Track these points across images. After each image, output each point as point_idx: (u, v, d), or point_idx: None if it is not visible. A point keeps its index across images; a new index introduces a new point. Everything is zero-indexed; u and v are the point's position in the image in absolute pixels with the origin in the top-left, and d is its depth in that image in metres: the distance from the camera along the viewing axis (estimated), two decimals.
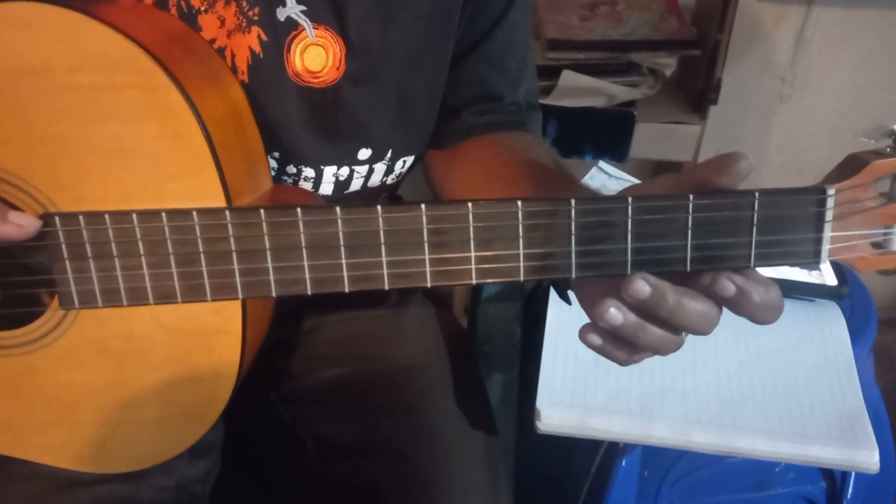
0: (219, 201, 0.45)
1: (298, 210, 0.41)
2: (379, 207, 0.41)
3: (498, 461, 0.64)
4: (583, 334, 0.42)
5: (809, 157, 1.46)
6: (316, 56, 0.55)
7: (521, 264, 0.41)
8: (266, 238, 0.42)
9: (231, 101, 0.49)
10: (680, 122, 1.20)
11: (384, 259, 0.41)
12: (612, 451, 0.77)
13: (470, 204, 0.40)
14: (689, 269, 0.40)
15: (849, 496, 0.78)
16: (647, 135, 1.17)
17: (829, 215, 0.40)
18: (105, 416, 0.50)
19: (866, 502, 0.79)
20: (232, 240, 0.42)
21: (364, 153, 0.59)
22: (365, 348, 0.67)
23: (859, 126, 0.42)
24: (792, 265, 0.50)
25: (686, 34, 1.16)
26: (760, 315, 0.39)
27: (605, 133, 1.14)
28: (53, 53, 0.43)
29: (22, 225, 0.43)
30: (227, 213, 0.42)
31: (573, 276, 0.41)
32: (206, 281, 0.43)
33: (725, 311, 0.41)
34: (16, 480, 0.53)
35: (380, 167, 0.60)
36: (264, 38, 0.53)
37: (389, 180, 0.62)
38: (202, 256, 0.43)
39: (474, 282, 0.42)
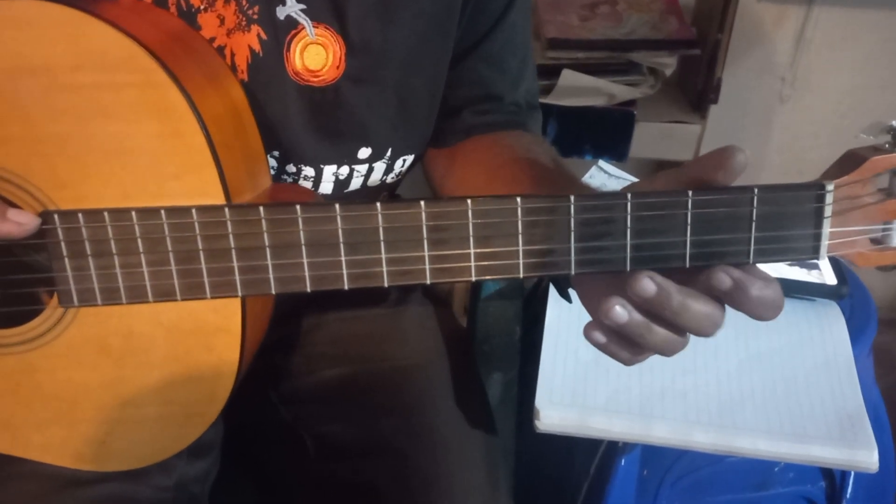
0: (218, 200, 0.45)
1: (298, 207, 0.41)
2: (378, 205, 0.41)
3: (497, 461, 0.64)
4: (587, 331, 0.42)
5: (809, 157, 1.46)
6: (316, 55, 0.55)
7: (521, 261, 0.41)
8: (265, 235, 0.42)
9: (231, 100, 0.49)
10: (680, 122, 1.20)
11: (383, 256, 0.41)
12: (612, 450, 0.77)
13: (469, 201, 0.40)
14: (688, 266, 0.40)
15: (848, 496, 0.78)
16: (647, 134, 1.17)
17: (827, 211, 0.40)
18: (105, 415, 0.50)
19: (866, 502, 0.79)
20: (231, 237, 0.42)
21: (364, 152, 0.59)
22: (364, 348, 0.67)
23: (859, 126, 0.42)
24: (791, 261, 0.50)
25: (686, 34, 1.16)
26: (759, 311, 0.39)
27: (605, 132, 1.14)
28: (54, 52, 0.43)
29: (21, 223, 0.43)
30: (227, 210, 0.42)
31: (573, 272, 0.41)
32: (206, 279, 0.43)
33: (726, 310, 0.41)
34: (15, 479, 0.53)
35: (379, 166, 0.60)
36: (264, 36, 0.53)
37: (389, 179, 0.63)
38: (201, 254, 0.43)
39: (474, 279, 0.42)
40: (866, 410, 0.70)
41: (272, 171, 0.57)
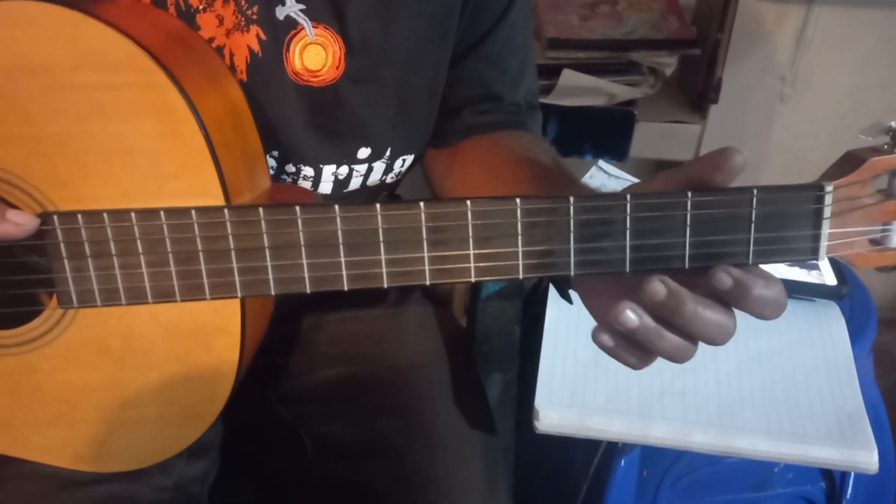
0: (218, 200, 0.45)
1: (297, 208, 0.41)
2: (378, 205, 0.41)
3: (497, 461, 0.64)
4: (595, 335, 0.41)
5: (810, 156, 1.46)
6: (315, 55, 0.55)
7: (520, 262, 0.41)
8: (265, 236, 0.42)
9: (230, 100, 0.49)
10: (680, 122, 1.20)
11: (383, 257, 0.41)
12: (611, 450, 0.77)
13: (469, 202, 0.40)
14: (687, 267, 0.40)
15: (848, 496, 0.78)
16: (647, 134, 1.17)
17: (827, 212, 0.40)
18: (104, 415, 0.50)
19: (866, 502, 0.79)
20: (231, 238, 0.42)
21: (363, 152, 0.59)
22: (364, 348, 0.67)
23: (860, 126, 0.42)
24: (790, 262, 0.50)
25: (686, 33, 1.16)
26: (761, 310, 0.39)
27: (606, 132, 1.14)
28: (53, 52, 0.43)
29: (20, 223, 0.43)
30: (226, 211, 0.42)
31: (572, 273, 0.41)
32: (205, 280, 0.43)
33: None
34: (15, 480, 0.53)
35: (379, 166, 0.60)
36: (263, 37, 0.53)
37: (389, 179, 0.62)
38: (201, 255, 0.43)
39: (473, 280, 0.42)
40: (866, 411, 0.70)
41: (271, 171, 0.57)
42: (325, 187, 0.60)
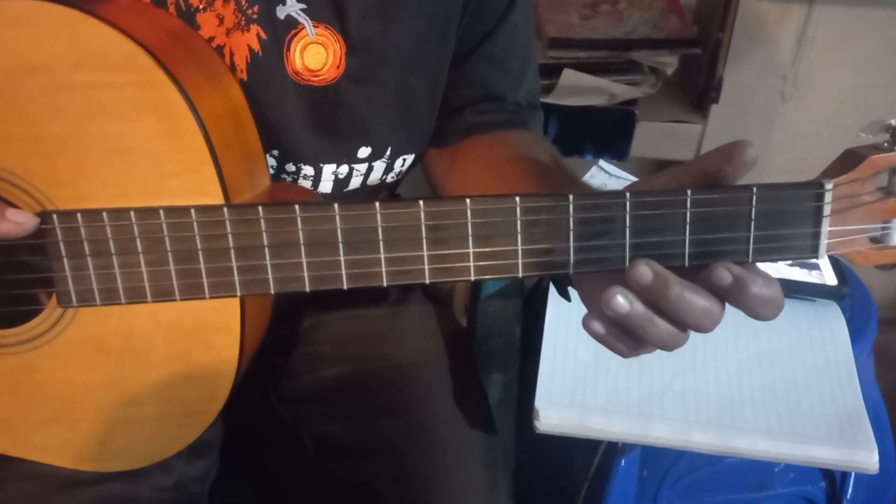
0: (217, 199, 0.45)
1: (297, 207, 0.41)
2: (377, 204, 0.41)
3: (497, 461, 0.64)
4: (586, 322, 0.42)
5: (811, 156, 1.46)
6: (316, 54, 0.55)
7: (520, 260, 0.41)
8: (264, 235, 0.42)
9: (230, 99, 0.49)
10: (681, 121, 1.20)
11: (382, 256, 0.41)
12: (612, 450, 0.77)
13: (468, 200, 0.40)
14: (687, 265, 0.40)
15: (848, 496, 0.78)
16: (648, 134, 1.17)
17: (827, 210, 0.40)
18: (104, 415, 0.50)
19: (866, 503, 0.79)
20: (230, 237, 0.42)
21: (364, 151, 0.59)
22: (364, 347, 0.67)
23: (861, 125, 0.42)
24: (790, 260, 0.50)
25: (687, 33, 1.16)
26: (759, 309, 0.39)
27: (606, 132, 1.14)
28: (53, 51, 0.43)
29: (20, 222, 0.43)
30: (226, 210, 0.42)
31: (572, 271, 0.41)
32: (205, 279, 0.43)
33: (726, 310, 0.41)
34: (15, 480, 0.53)
35: (379, 165, 0.60)
36: (263, 36, 0.53)
37: (389, 178, 0.62)
38: (200, 254, 0.43)
39: (473, 278, 0.42)
40: (866, 411, 0.70)
41: (271, 170, 0.57)
42: (326, 186, 0.60)
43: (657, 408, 0.70)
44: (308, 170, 0.58)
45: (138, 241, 0.43)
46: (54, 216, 0.44)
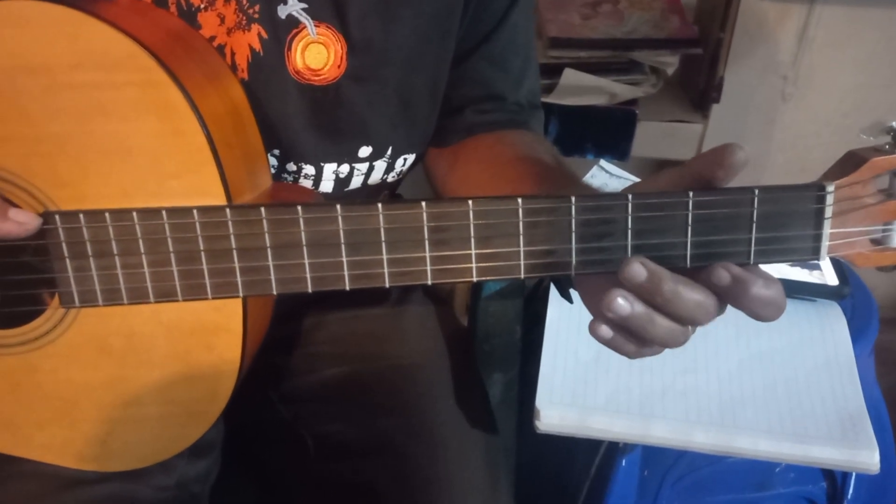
0: (219, 199, 0.45)
1: (299, 208, 0.41)
2: (379, 205, 0.41)
3: (498, 460, 0.64)
4: (592, 327, 0.42)
5: (812, 156, 1.46)
6: (317, 54, 0.55)
7: (522, 262, 0.41)
8: (267, 236, 0.42)
9: (231, 99, 0.49)
10: (682, 121, 1.20)
11: (385, 257, 0.41)
12: (612, 450, 0.77)
13: (470, 201, 0.40)
14: (689, 266, 0.40)
15: (849, 496, 0.78)
16: (648, 133, 1.17)
17: (828, 212, 0.40)
18: (106, 415, 0.50)
19: (867, 503, 0.79)
20: (232, 238, 0.42)
21: (364, 151, 0.59)
22: (365, 347, 0.67)
23: (862, 125, 0.42)
24: (792, 262, 0.50)
25: (688, 32, 1.16)
26: (760, 310, 0.39)
27: (607, 132, 1.14)
28: (54, 51, 0.43)
29: (22, 222, 0.43)
30: (228, 210, 0.42)
31: (573, 273, 0.41)
32: (207, 279, 0.43)
33: (727, 310, 0.41)
34: (16, 479, 0.53)
35: (380, 165, 0.60)
36: (265, 35, 0.53)
37: (390, 178, 0.62)
38: (203, 254, 0.43)
39: (475, 279, 0.42)
40: (867, 410, 0.70)
41: (272, 170, 0.57)
42: (327, 186, 0.60)
43: (658, 407, 0.70)
44: (309, 169, 0.58)
45: (141, 241, 0.43)
46: (57, 216, 0.44)
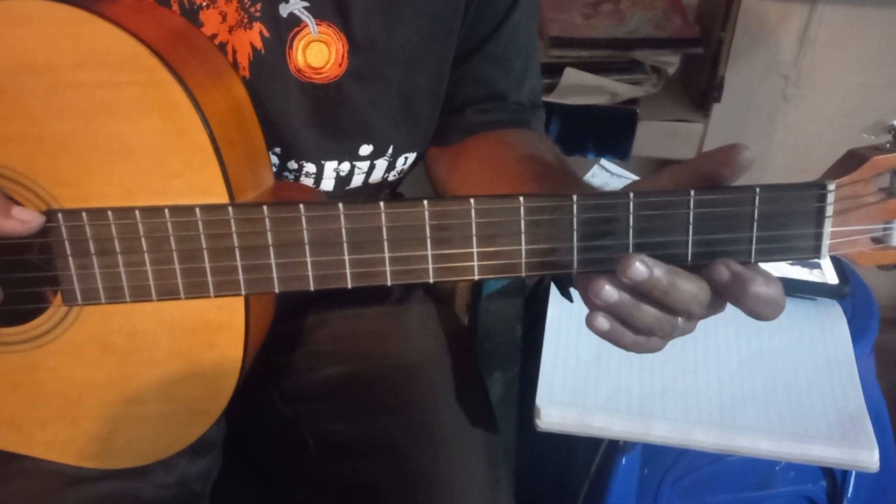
0: (222, 198, 0.45)
1: (301, 206, 0.41)
2: (381, 204, 0.41)
3: (498, 459, 0.64)
4: (589, 320, 0.41)
5: (813, 155, 1.46)
6: (318, 52, 0.55)
7: (523, 260, 0.41)
8: (269, 234, 0.42)
9: (233, 97, 0.49)
10: (683, 121, 1.20)
11: (387, 255, 0.42)
12: (613, 449, 0.77)
13: (472, 200, 0.40)
14: (690, 264, 0.41)
15: (849, 495, 0.78)
16: (649, 133, 1.17)
17: (829, 211, 0.40)
18: (108, 413, 0.50)
19: (867, 501, 0.79)
20: (235, 236, 0.42)
21: (365, 149, 0.59)
22: (366, 346, 0.67)
23: (864, 125, 0.42)
24: (792, 260, 0.50)
25: (689, 32, 1.16)
26: (759, 308, 0.39)
27: (608, 131, 1.14)
28: (57, 50, 0.43)
29: (25, 221, 0.43)
30: (230, 209, 0.42)
31: (575, 271, 0.41)
32: (210, 277, 0.43)
33: (727, 309, 0.41)
34: (18, 477, 0.53)
35: (381, 163, 0.60)
36: (266, 34, 0.53)
37: (391, 177, 0.63)
38: (205, 253, 0.43)
39: (476, 277, 0.42)
40: (867, 410, 0.70)
41: (273, 168, 0.57)
42: (327, 184, 0.60)
43: (658, 407, 0.70)
44: (310, 167, 0.58)
45: (143, 240, 0.43)
46: (60, 215, 0.44)
